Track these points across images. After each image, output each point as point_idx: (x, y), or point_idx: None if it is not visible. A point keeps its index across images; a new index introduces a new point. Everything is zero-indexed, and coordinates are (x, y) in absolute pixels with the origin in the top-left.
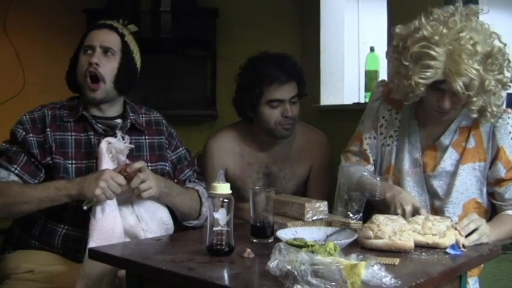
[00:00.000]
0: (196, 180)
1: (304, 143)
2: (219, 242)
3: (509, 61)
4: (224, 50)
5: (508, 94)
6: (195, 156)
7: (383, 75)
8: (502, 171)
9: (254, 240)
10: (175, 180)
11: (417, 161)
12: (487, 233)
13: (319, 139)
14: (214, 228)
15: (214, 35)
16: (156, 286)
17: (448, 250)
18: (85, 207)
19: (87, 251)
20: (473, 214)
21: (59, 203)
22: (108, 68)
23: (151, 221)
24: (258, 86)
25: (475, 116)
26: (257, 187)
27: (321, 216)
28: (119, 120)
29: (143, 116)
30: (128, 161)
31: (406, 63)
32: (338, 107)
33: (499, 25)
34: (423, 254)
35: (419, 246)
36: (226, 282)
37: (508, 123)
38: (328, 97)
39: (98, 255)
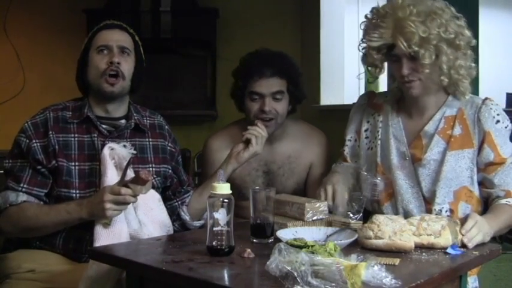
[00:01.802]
0: None
1: (303, 141)
2: (219, 242)
3: (462, 26)
4: (224, 50)
5: (508, 94)
6: (195, 156)
7: (383, 76)
8: (490, 155)
9: (254, 240)
10: (187, 184)
11: (404, 154)
12: (487, 232)
13: (318, 138)
14: (214, 228)
15: (214, 35)
16: (156, 286)
17: (448, 250)
18: (108, 224)
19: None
20: (475, 214)
21: (73, 224)
22: (127, 67)
23: (152, 224)
24: (242, 77)
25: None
26: (257, 187)
27: (321, 216)
28: (123, 121)
29: (147, 118)
30: (130, 170)
31: (363, 41)
32: (338, 107)
33: (499, 25)
34: (423, 254)
35: (418, 247)
36: (226, 282)
37: (491, 109)
38: (328, 97)
39: (98, 255)
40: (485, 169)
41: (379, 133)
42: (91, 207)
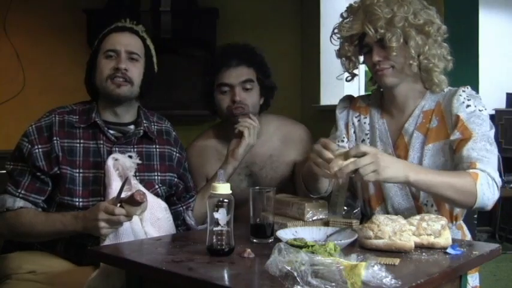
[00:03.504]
0: None
1: (284, 138)
2: (219, 242)
3: (433, 15)
4: None
5: (508, 94)
6: None
7: None
8: (458, 135)
9: (254, 240)
10: (194, 191)
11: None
12: (370, 168)
13: (299, 133)
14: (214, 228)
15: (214, 35)
16: (156, 286)
17: (448, 250)
18: (103, 240)
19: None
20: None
21: (68, 235)
22: (135, 73)
23: (159, 234)
24: (209, 72)
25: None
26: (257, 187)
27: (321, 216)
28: (132, 127)
29: (155, 124)
30: (134, 180)
31: (335, 33)
32: None
33: (499, 25)
34: (423, 254)
35: (418, 247)
36: (226, 282)
37: (461, 95)
38: (328, 97)
39: (98, 255)
40: (456, 149)
41: (368, 136)
42: (86, 223)
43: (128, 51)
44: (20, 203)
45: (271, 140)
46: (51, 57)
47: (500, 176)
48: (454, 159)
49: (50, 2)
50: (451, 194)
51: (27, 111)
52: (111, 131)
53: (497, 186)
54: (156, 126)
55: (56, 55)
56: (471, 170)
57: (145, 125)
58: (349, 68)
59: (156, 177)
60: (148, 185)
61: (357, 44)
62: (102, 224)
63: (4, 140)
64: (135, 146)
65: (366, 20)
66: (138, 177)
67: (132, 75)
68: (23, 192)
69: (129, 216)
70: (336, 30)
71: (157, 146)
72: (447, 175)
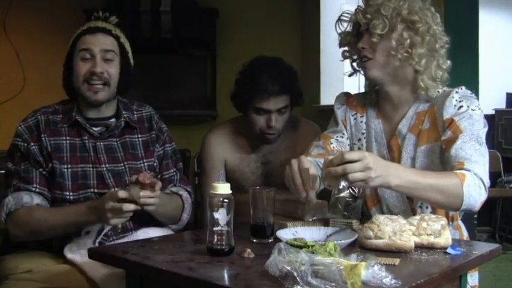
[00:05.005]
0: (180, 184)
1: (299, 131)
2: (219, 242)
3: (433, 20)
4: (224, 50)
5: (508, 94)
6: (195, 156)
7: None
8: (448, 134)
9: (254, 240)
10: (159, 176)
11: (384, 157)
12: (359, 176)
13: (313, 128)
14: (214, 228)
15: (214, 35)
16: (156, 286)
17: (448, 250)
18: (118, 229)
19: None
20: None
21: (84, 226)
22: (112, 73)
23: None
24: (248, 92)
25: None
26: (257, 187)
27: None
28: (113, 120)
29: (135, 112)
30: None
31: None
32: None
33: (499, 25)
34: (423, 254)
35: (418, 247)
36: (226, 282)
37: (453, 97)
38: (328, 97)
39: (98, 255)
40: (445, 148)
41: (364, 135)
42: (99, 214)
43: (103, 53)
44: (37, 199)
45: (287, 132)
46: (51, 57)
47: (500, 175)
48: (443, 159)
49: (50, 2)
50: (436, 197)
51: (27, 111)
52: (94, 128)
53: (485, 187)
54: (136, 114)
55: (56, 55)
56: (458, 171)
57: (125, 115)
58: (346, 57)
59: (142, 165)
60: (137, 172)
61: (355, 34)
62: (109, 214)
63: (4, 140)
64: (118, 138)
65: (360, 9)
66: (127, 165)
67: (109, 76)
68: (38, 187)
69: (135, 203)
70: (342, 17)
71: (139, 136)
72: (432, 177)
